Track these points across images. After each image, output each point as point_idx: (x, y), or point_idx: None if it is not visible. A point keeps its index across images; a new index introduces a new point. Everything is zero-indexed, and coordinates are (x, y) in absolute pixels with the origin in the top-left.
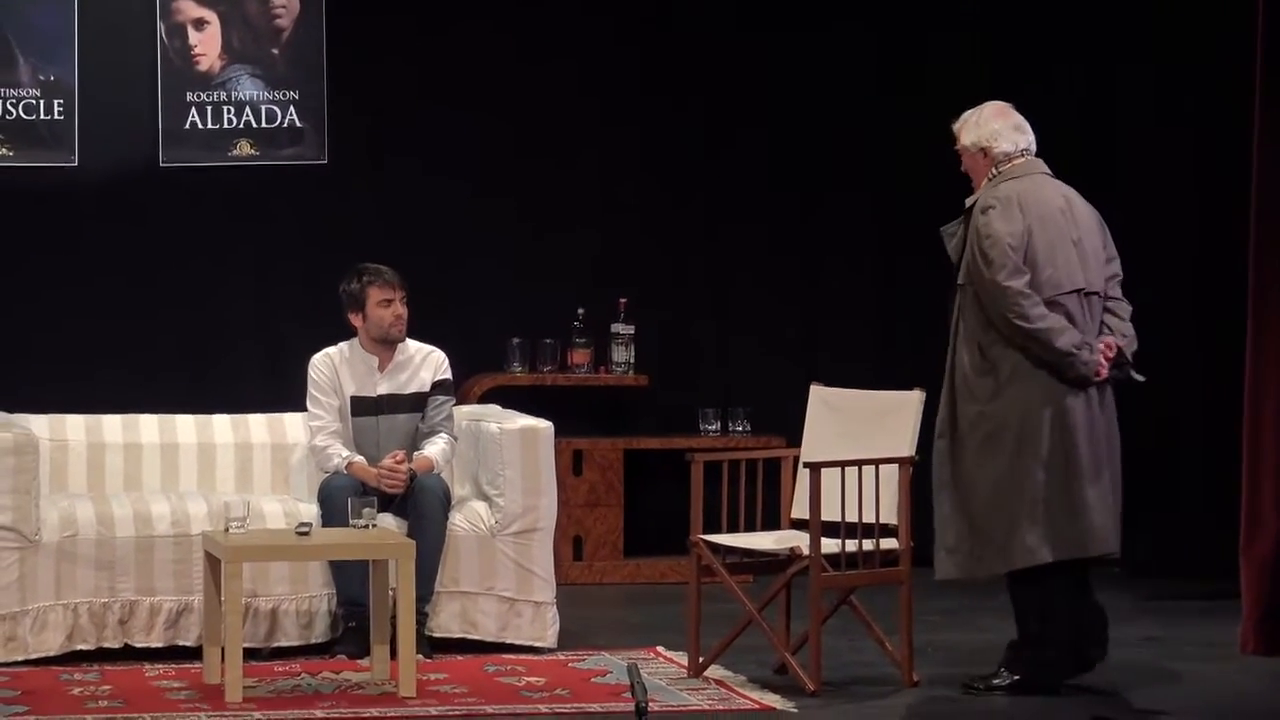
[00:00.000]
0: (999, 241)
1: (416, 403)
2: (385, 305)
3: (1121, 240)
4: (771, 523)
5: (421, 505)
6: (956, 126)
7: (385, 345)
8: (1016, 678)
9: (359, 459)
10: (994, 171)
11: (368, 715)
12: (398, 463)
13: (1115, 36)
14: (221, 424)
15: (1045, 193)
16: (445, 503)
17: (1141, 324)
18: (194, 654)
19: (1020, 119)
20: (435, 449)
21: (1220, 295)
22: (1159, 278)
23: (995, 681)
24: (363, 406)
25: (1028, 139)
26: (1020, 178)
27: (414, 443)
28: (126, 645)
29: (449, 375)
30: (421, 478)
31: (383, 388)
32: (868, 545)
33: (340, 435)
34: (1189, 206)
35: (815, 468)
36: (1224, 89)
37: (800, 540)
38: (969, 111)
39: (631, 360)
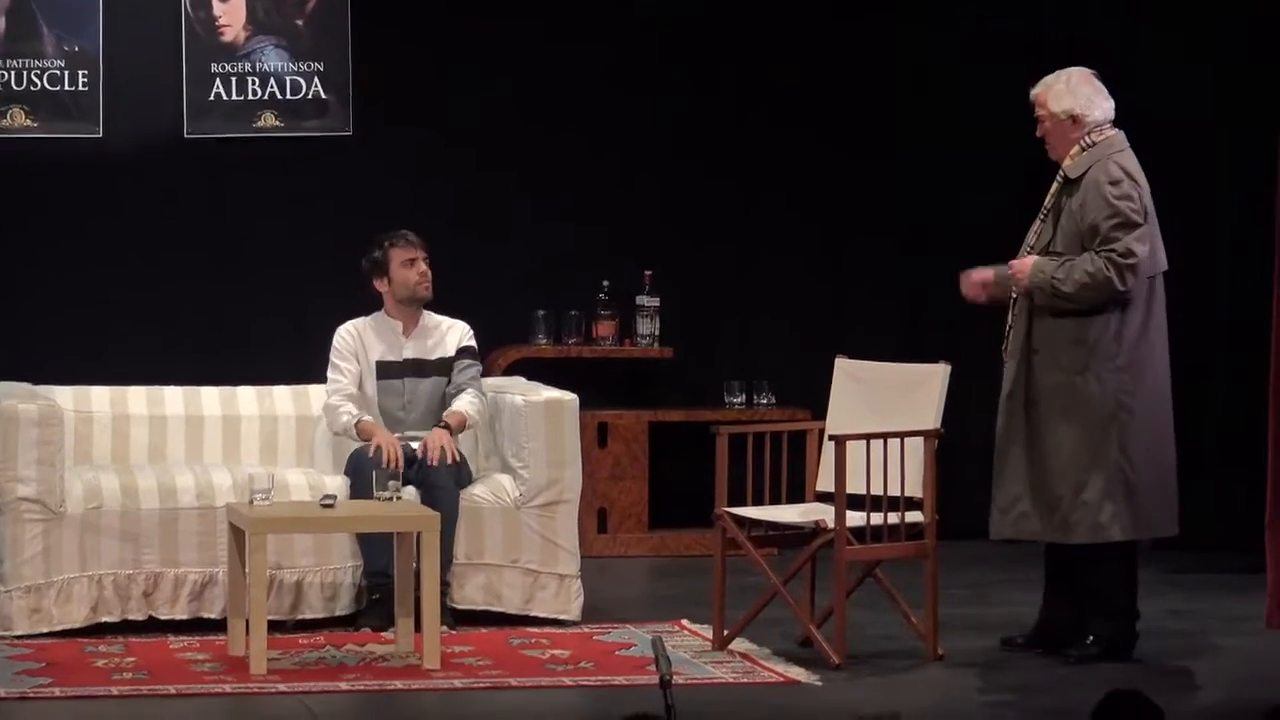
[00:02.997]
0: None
1: (442, 367)
2: (409, 265)
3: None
4: (796, 495)
5: (431, 475)
6: (1038, 92)
7: (412, 308)
8: (1105, 645)
9: (368, 418)
10: (1087, 140)
11: (392, 688)
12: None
13: (1145, 23)
14: (246, 396)
15: (1141, 172)
16: (458, 471)
17: (1171, 300)
18: (218, 626)
19: (1102, 86)
20: (464, 402)
21: (1247, 271)
22: (1186, 254)
23: (1091, 650)
24: (388, 370)
25: (1112, 105)
26: (1125, 150)
27: (440, 406)
28: (151, 617)
29: (474, 343)
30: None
31: (408, 352)
32: (893, 518)
33: (354, 399)
34: (1218, 184)
35: (840, 440)
36: (1256, 85)
37: (825, 513)
38: (1051, 77)
39: (656, 332)
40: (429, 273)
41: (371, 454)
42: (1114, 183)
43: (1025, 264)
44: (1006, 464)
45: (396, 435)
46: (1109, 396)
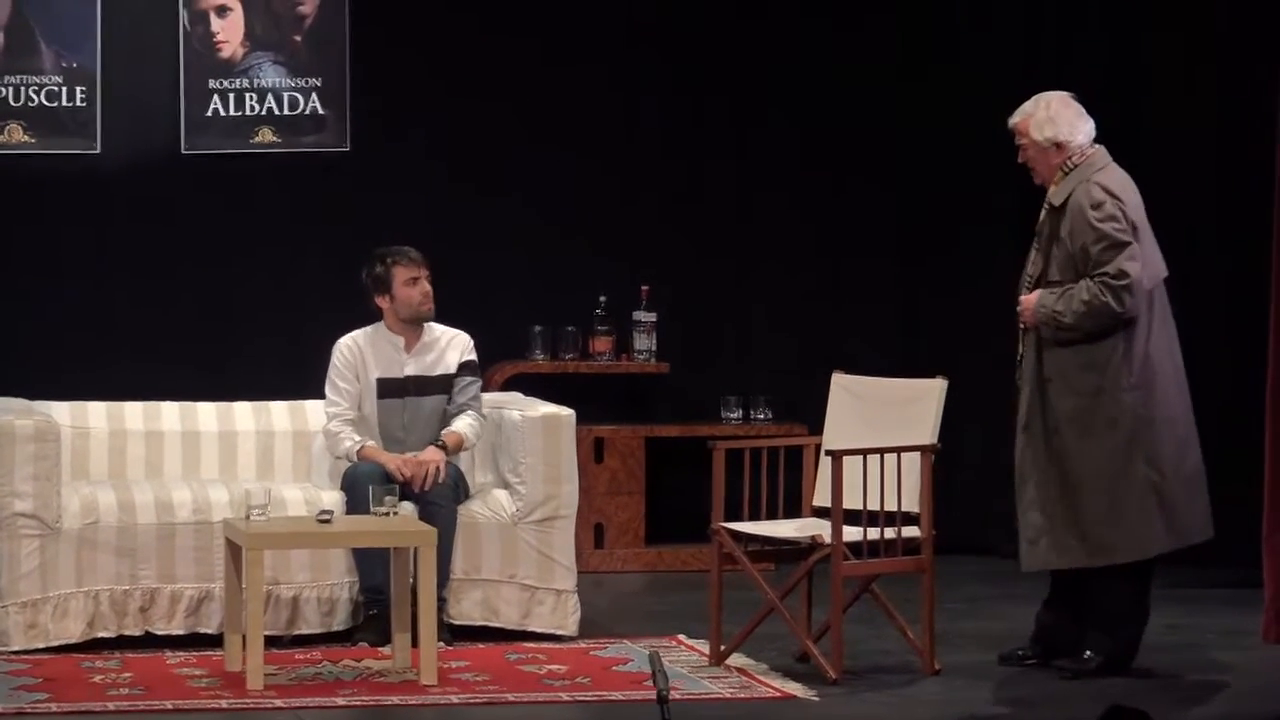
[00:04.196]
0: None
1: (443, 385)
2: (412, 284)
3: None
4: (793, 510)
5: (430, 492)
6: (1018, 121)
7: (413, 325)
8: (1102, 660)
9: (371, 444)
10: (1069, 164)
11: (389, 703)
12: (421, 463)
13: (1143, 29)
14: (243, 411)
15: (1129, 182)
16: (455, 488)
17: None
18: (215, 641)
19: (1081, 107)
20: (464, 424)
21: (1244, 282)
22: (1185, 267)
23: (1087, 665)
24: (389, 388)
25: (1092, 126)
26: (1105, 168)
27: (441, 424)
28: (148, 633)
29: (474, 357)
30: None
31: (409, 369)
32: (889, 533)
33: (354, 423)
34: (1212, 195)
35: (837, 456)
36: (1251, 83)
37: (822, 528)
38: (1030, 105)
39: (653, 348)
40: (431, 291)
41: (404, 480)
42: (1096, 206)
43: (1030, 300)
44: (1026, 494)
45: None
46: (1126, 415)
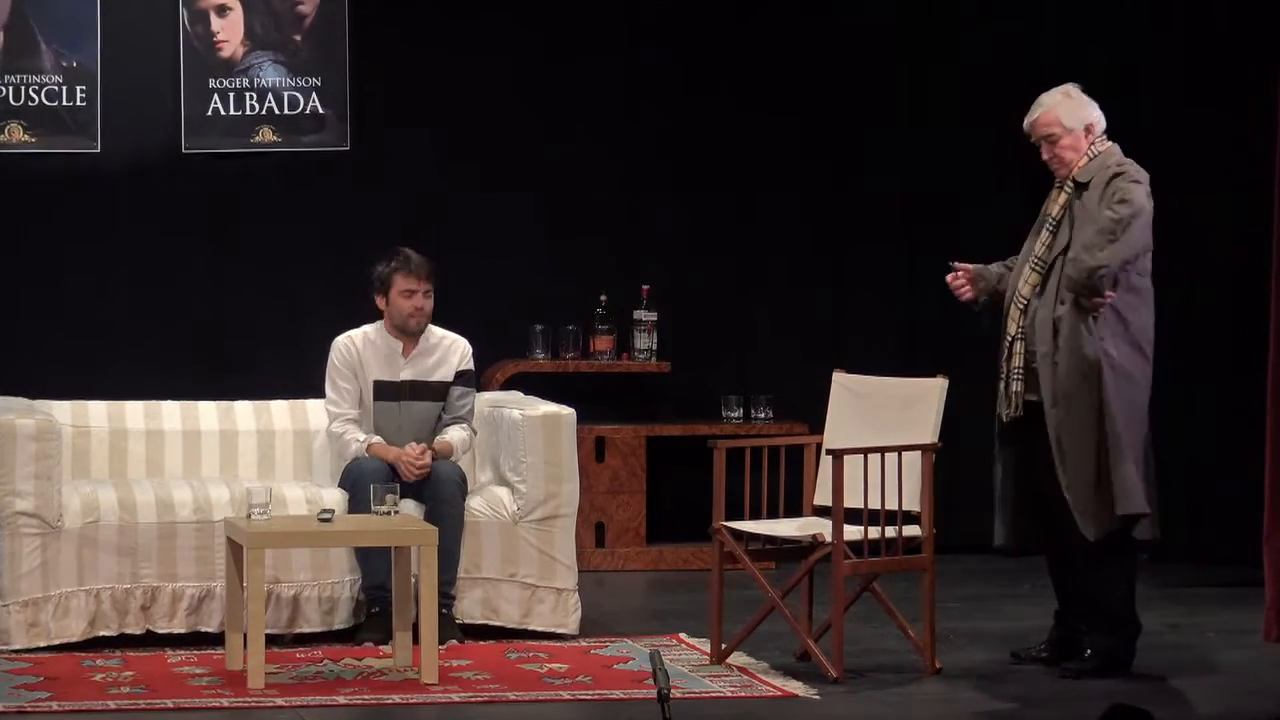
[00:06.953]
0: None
1: (440, 391)
2: (407, 296)
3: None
4: (794, 509)
5: (439, 492)
6: (1042, 115)
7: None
8: (1103, 659)
9: (377, 439)
10: (1093, 150)
11: (390, 702)
12: (420, 453)
13: (1146, 27)
14: (244, 410)
15: None
16: (462, 488)
17: (1170, 313)
18: (216, 640)
19: None
20: (454, 434)
21: (1244, 282)
22: (1187, 267)
23: (1086, 664)
24: (386, 391)
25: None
26: (1126, 159)
27: (434, 430)
28: (149, 631)
29: (472, 366)
30: (437, 465)
31: (407, 373)
32: (890, 532)
33: (357, 421)
34: (1218, 194)
35: (838, 455)
36: (1251, 83)
37: (823, 527)
38: (1048, 99)
39: (654, 347)
40: (426, 308)
41: (410, 477)
42: (1135, 182)
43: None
44: (1081, 465)
45: None
46: (1123, 399)
